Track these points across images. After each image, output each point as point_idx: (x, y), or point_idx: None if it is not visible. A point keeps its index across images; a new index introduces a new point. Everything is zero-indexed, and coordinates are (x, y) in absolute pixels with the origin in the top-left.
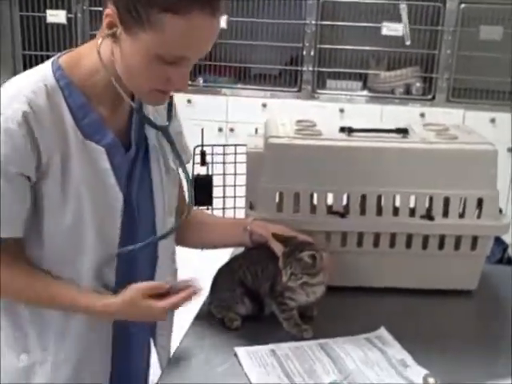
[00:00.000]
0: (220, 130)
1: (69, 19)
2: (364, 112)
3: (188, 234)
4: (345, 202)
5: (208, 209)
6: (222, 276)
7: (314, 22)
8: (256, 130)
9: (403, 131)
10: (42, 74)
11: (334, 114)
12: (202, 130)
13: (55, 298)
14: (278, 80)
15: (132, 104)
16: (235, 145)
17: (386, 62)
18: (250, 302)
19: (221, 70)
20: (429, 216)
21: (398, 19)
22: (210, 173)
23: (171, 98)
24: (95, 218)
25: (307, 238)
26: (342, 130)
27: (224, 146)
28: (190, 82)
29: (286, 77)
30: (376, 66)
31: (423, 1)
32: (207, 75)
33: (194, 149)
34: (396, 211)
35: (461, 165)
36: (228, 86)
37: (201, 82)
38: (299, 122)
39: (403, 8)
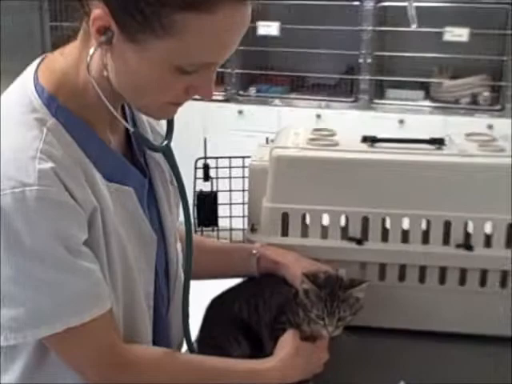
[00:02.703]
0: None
1: None
2: (426, 123)
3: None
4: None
5: (213, 230)
6: (214, 309)
7: (370, 28)
8: (267, 140)
9: (438, 142)
10: (36, 116)
11: (392, 126)
12: (205, 139)
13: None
14: (333, 90)
15: (130, 128)
16: (242, 157)
17: (449, 69)
18: (247, 342)
19: (275, 79)
20: (467, 245)
21: (463, 24)
22: (214, 189)
23: None
24: (136, 265)
25: (327, 268)
26: (365, 140)
27: (230, 158)
28: (241, 93)
29: (342, 86)
30: (439, 75)
31: (489, 3)
32: (260, 85)
33: (196, 161)
34: (426, 238)
35: (507, 183)
36: (280, 95)
37: (253, 92)
38: (316, 130)
39: None
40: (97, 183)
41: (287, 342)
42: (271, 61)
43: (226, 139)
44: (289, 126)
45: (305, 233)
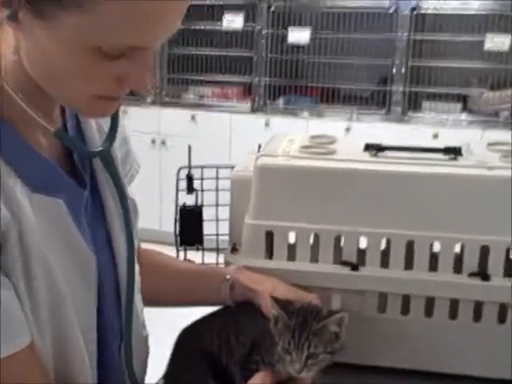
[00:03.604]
0: None
1: None
2: (461, 138)
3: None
4: (361, 246)
5: (198, 249)
6: (183, 342)
7: (405, 36)
8: (259, 147)
9: (454, 151)
10: None
11: (426, 140)
12: (189, 146)
13: None
14: (365, 102)
15: (50, 128)
16: (231, 166)
17: (489, 80)
18: (216, 383)
19: (304, 89)
20: (483, 274)
21: (505, 31)
22: (199, 203)
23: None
24: (70, 291)
25: (310, 298)
26: (367, 148)
27: (217, 167)
28: (269, 103)
29: (375, 98)
30: (478, 86)
31: None
32: (289, 96)
33: (179, 171)
34: (434, 265)
35: None
36: (310, 106)
37: (281, 103)
38: (314, 137)
39: None
40: (14, 193)
41: None
42: (301, 70)
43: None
44: (283, 132)
45: (292, 255)
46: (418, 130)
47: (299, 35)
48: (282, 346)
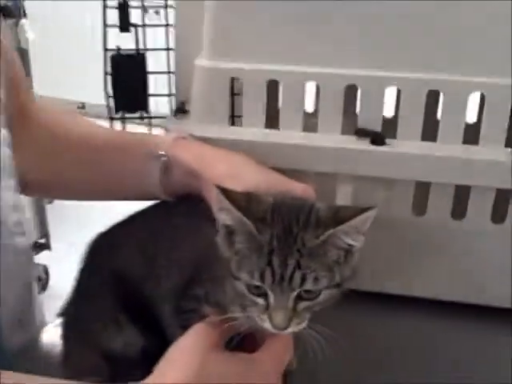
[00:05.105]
0: None
1: None
2: None
3: (28, 165)
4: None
5: (142, 118)
6: (90, 262)
7: None
8: None
9: None
10: None
11: None
12: None
13: None
14: None
15: None
16: None
17: None
18: (134, 325)
19: None
20: None
21: None
22: (140, 46)
23: None
24: None
25: (300, 189)
26: None
27: None
28: None
29: None
30: None
31: None
32: None
33: None
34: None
35: None
36: None
37: None
38: None
39: None
40: None
41: (185, 348)
42: None
43: None
44: None
45: (273, 120)
46: None
47: None
48: (246, 281)
